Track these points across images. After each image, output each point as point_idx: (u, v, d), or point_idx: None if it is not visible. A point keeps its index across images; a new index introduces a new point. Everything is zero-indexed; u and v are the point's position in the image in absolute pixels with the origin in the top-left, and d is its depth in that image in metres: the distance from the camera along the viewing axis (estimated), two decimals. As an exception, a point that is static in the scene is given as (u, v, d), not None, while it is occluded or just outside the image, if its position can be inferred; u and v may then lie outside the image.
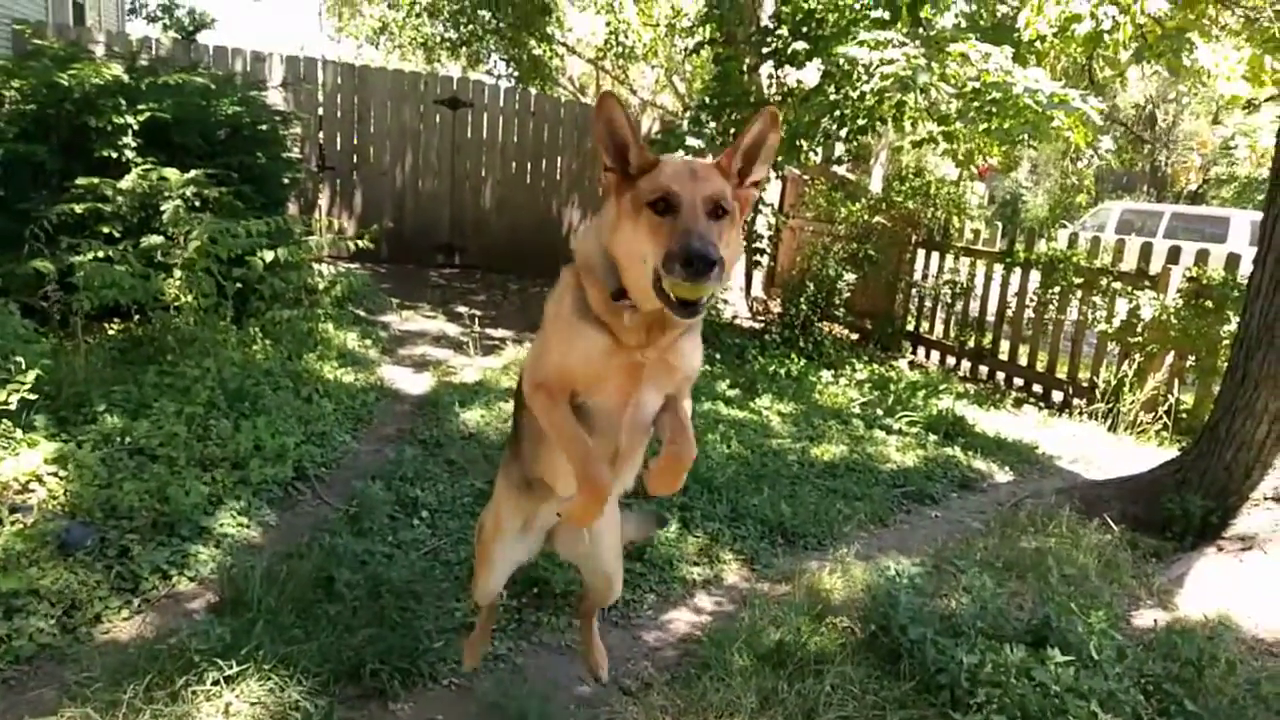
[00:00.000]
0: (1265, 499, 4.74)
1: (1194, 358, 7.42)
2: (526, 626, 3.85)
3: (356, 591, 3.79)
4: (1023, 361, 9.05)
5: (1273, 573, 4.31)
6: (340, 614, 3.64)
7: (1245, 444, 4.89)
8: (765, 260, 11.49)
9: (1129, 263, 8.21)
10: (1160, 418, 7.39)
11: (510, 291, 12.03)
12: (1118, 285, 8.10)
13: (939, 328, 10.24)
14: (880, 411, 7.36)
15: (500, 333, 9.27)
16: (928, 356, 10.26)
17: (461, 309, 9.95)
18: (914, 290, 10.44)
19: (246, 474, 4.73)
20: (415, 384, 7.29)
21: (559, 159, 13.87)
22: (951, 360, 9.93)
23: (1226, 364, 5.43)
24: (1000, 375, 9.31)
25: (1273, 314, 4.84)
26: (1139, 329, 7.67)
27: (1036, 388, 8.84)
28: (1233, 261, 7.52)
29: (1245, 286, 5.55)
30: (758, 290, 12.52)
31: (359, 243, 8.61)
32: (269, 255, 6.75)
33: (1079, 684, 3.10)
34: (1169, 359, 7.53)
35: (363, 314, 9.14)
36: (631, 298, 2.10)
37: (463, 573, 4.14)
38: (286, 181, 8.69)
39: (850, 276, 9.99)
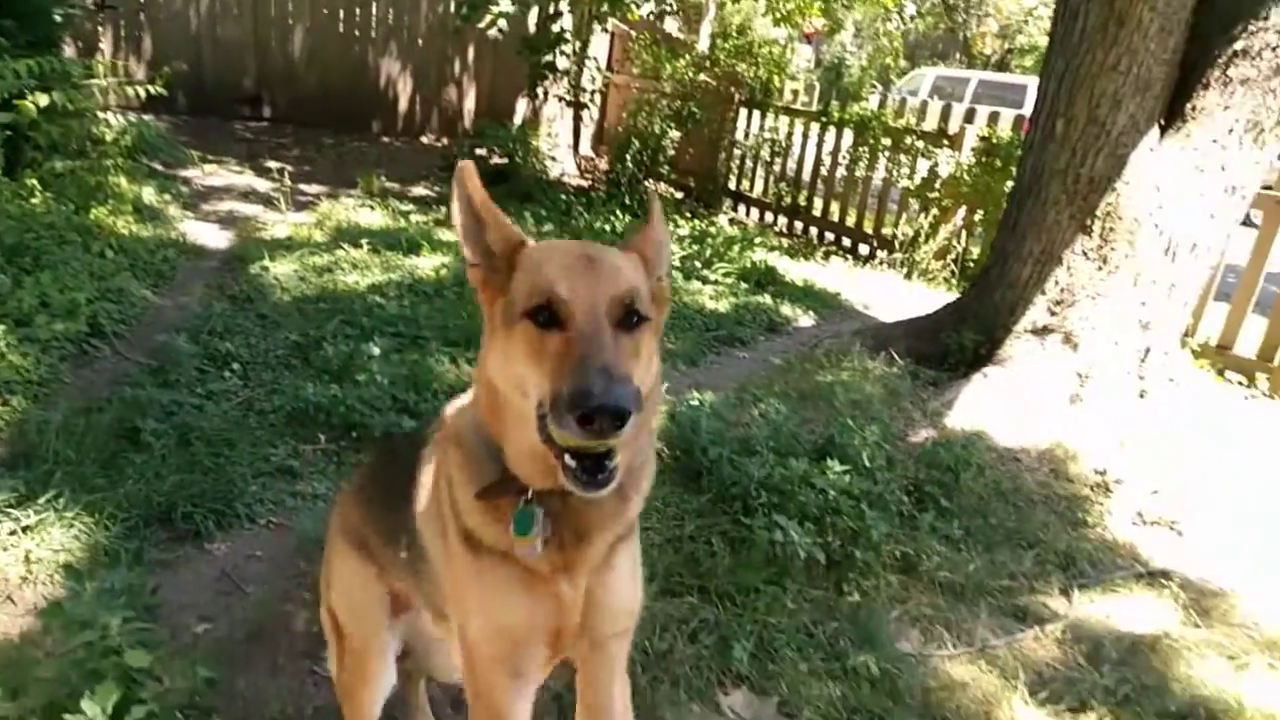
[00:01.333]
0: (1025, 332, 5.33)
1: (982, 211, 8.05)
2: (345, 468, 3.92)
3: (164, 440, 3.73)
4: (834, 217, 9.54)
5: (1020, 394, 4.91)
6: (148, 462, 3.58)
7: (1012, 284, 5.44)
8: (591, 117, 11.39)
9: (931, 123, 8.71)
10: (949, 266, 8.06)
11: (324, 146, 11.42)
12: (920, 144, 8.59)
13: (759, 186, 10.57)
14: (698, 264, 7.64)
15: (314, 189, 8.88)
16: (748, 213, 10.62)
17: (271, 164, 9.40)
18: (736, 149, 10.68)
19: (32, 331, 4.44)
20: (221, 240, 6.94)
21: (374, 5, 13.02)
22: (770, 216, 10.33)
23: (1002, 214, 5.95)
24: (813, 230, 9.80)
25: (1041, 167, 5.30)
26: (937, 185, 8.22)
27: (845, 241, 9.38)
28: (1019, 123, 8.11)
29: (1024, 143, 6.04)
30: (585, 148, 12.44)
31: (150, 89, 7.89)
32: (42, 99, 6.13)
33: (852, 487, 3.50)
34: (960, 213, 8.14)
35: (160, 168, 8.50)
36: (513, 467, 1.45)
37: (278, 420, 4.13)
38: (59, 19, 7.78)
39: (675, 134, 10.10)
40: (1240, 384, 6.14)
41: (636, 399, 1.20)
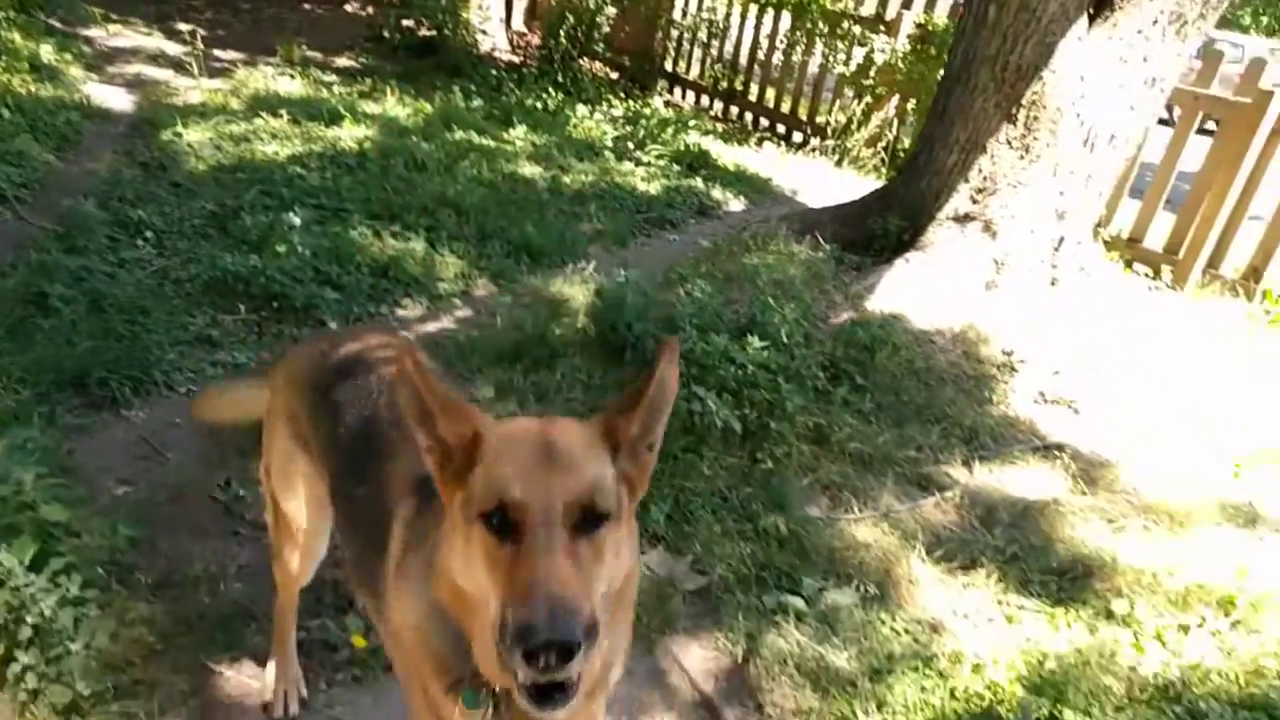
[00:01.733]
0: (947, 219, 5.43)
1: (915, 100, 8.05)
2: (267, 338, 3.87)
3: (75, 307, 3.63)
4: (769, 103, 9.44)
5: (939, 279, 5.05)
6: (58, 329, 3.49)
7: (938, 171, 5.51)
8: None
9: (869, 9, 8.57)
10: (880, 154, 8.11)
11: (240, 10, 10.79)
12: (857, 29, 8.48)
13: (695, 68, 10.35)
14: (631, 145, 7.53)
15: (229, 54, 8.43)
16: (683, 96, 10.43)
17: (182, 26, 8.87)
18: (673, 29, 10.39)
19: (-83, 192, 4.22)
20: (129, 104, 6.59)
21: None
22: (705, 100, 10.17)
23: (932, 100, 5.97)
24: (748, 115, 9.69)
25: (972, 53, 5.31)
26: (871, 73, 8.17)
27: (780, 127, 9.32)
28: (955, 10, 8.05)
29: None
30: (518, 23, 11.98)
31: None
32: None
33: (770, 361, 3.60)
34: (894, 101, 8.14)
35: (58, 25, 7.95)
36: (479, 664, 1.33)
37: (195, 289, 4.03)
38: None
39: (611, 10, 9.78)
40: (1147, 275, 6.39)
41: (587, 630, 1.10)
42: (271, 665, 2.31)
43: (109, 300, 3.68)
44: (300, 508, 2.06)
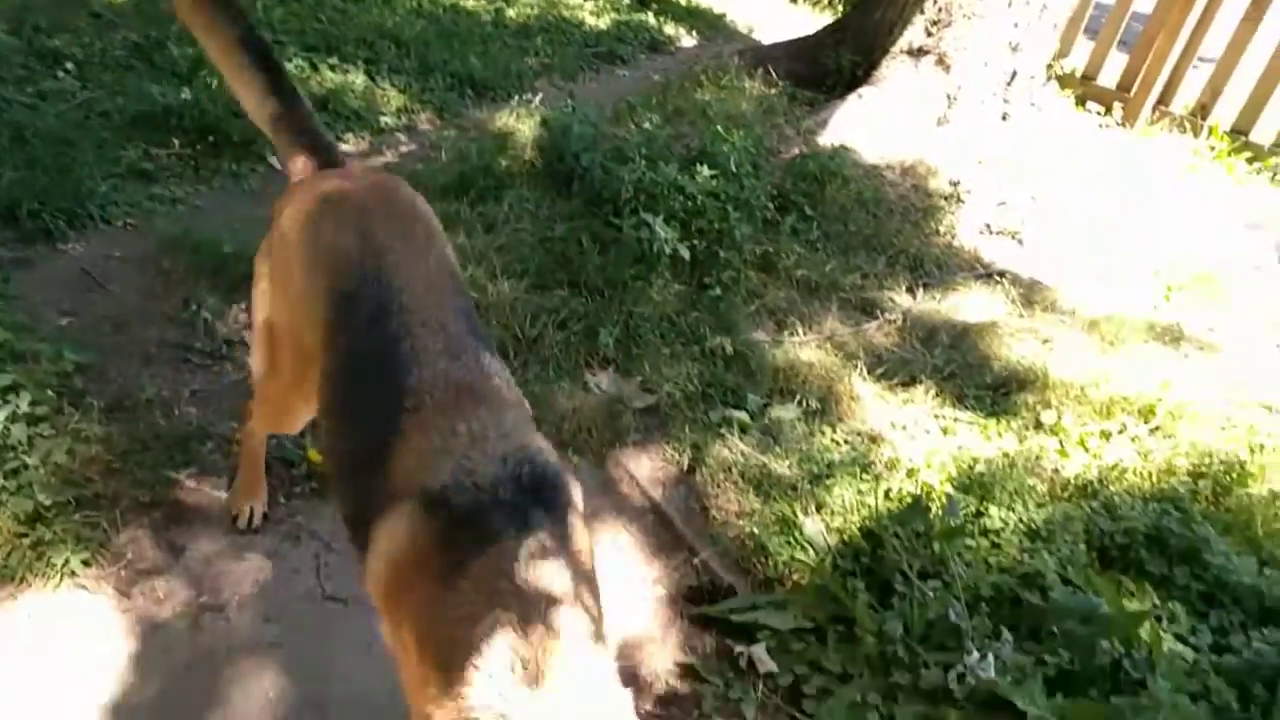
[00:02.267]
0: (901, 53, 5.34)
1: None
2: (205, 172, 3.76)
3: (-4, 138, 3.47)
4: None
5: (891, 113, 5.01)
6: (-21, 161, 3.35)
7: (893, 2, 5.38)
8: None
9: None
10: (836, -11, 7.87)
11: None
12: None
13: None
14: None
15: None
16: (634, -70, 9.92)
17: None
18: None
19: None
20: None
21: None
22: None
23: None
24: (702, -50, 9.27)
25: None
26: (830, -100, 7.82)
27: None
28: None
29: None
30: None
31: None
32: None
33: (719, 190, 3.59)
34: (851, -68, 7.82)
35: None
36: None
37: (123, 122, 3.87)
38: None
39: None
40: (1099, 113, 6.40)
41: None
42: (238, 482, 2.36)
43: (31, 131, 3.52)
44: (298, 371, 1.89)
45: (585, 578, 1.39)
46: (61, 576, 2.09)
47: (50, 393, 2.43)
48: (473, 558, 1.32)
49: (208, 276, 3.13)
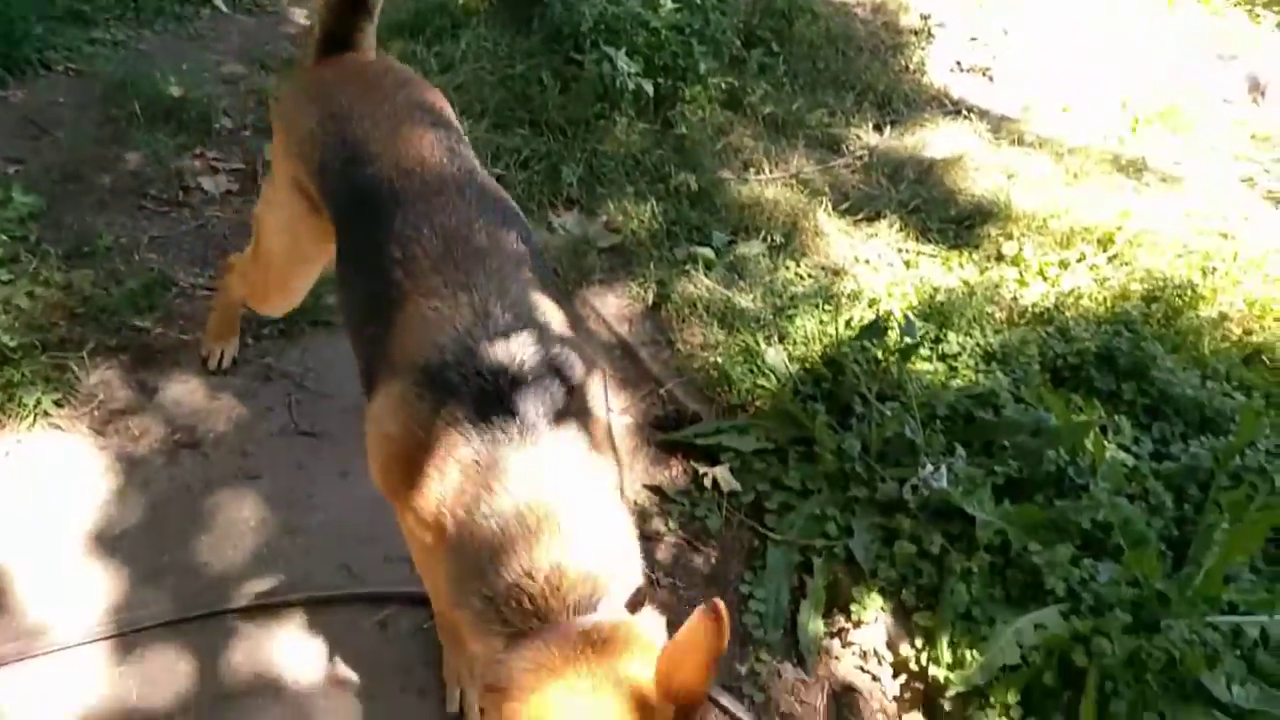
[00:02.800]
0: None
1: None
2: (146, 14, 3.60)
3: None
4: None
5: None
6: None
7: None
8: None
9: None
10: None
11: None
12: None
13: None
14: None
15: None
16: None
17: None
18: None
19: None
20: None
21: None
22: None
23: None
24: None
25: None
26: None
27: None
28: None
29: None
30: None
31: None
32: None
33: (683, 23, 3.48)
34: None
35: None
36: None
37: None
38: None
39: None
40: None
41: None
42: (210, 326, 2.36)
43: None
44: (291, 256, 1.92)
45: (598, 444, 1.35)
46: (35, 417, 2.12)
47: (4, 237, 2.40)
48: (466, 442, 1.25)
49: (159, 122, 3.04)
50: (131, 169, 2.86)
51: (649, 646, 1.09)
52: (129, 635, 1.80)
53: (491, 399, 1.27)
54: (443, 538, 1.26)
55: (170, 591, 1.90)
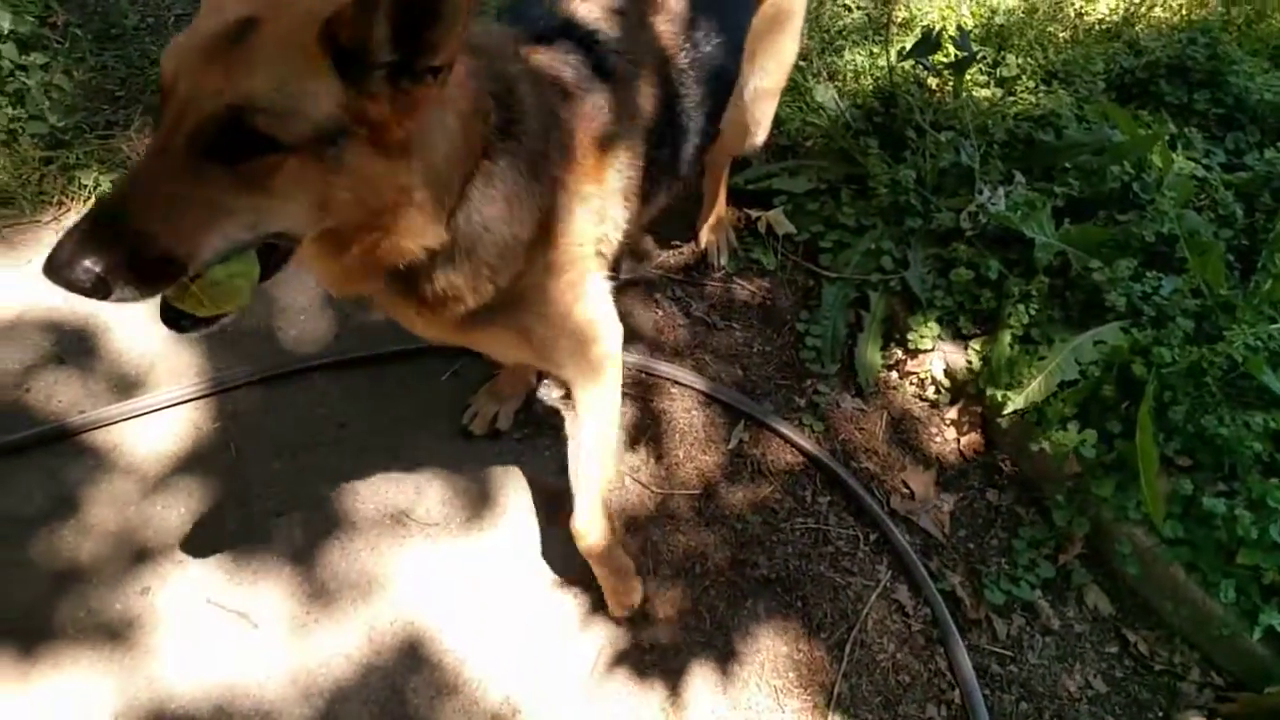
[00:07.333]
0: None
1: None
2: None
3: None
4: None
5: None
6: None
7: None
8: None
9: None
10: None
11: None
12: None
13: None
14: None
15: None
16: None
17: None
18: None
19: None
20: None
21: None
22: None
23: None
24: None
25: None
26: None
27: None
28: None
29: None
30: None
31: None
32: None
33: None
34: None
35: None
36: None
37: None
38: None
39: None
40: None
41: (100, 284, 0.86)
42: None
43: None
44: None
45: None
46: (93, 197, 2.16)
47: (31, 19, 2.35)
48: None
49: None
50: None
51: None
52: (220, 393, 1.91)
53: None
54: None
55: (250, 356, 1.98)
